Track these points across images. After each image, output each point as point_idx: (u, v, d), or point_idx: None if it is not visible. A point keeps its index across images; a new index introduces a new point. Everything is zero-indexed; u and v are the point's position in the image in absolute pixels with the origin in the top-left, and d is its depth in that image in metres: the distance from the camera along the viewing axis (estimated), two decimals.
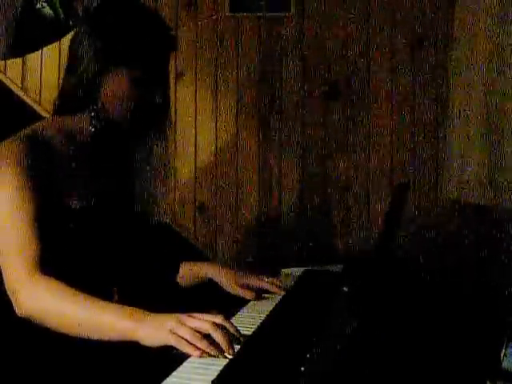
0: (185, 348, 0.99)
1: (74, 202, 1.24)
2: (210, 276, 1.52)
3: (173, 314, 1.04)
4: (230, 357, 0.99)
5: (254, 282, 1.49)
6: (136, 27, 1.28)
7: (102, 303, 1.10)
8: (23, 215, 1.15)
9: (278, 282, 1.52)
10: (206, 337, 1.00)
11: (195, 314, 1.04)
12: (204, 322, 1.02)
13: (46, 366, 1.18)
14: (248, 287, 1.48)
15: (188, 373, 0.93)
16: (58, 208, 1.22)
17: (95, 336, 1.08)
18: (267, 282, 1.50)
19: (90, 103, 1.28)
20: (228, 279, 1.50)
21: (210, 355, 0.99)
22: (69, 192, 1.24)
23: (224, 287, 1.50)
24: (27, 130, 1.27)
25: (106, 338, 1.08)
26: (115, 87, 1.27)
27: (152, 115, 1.33)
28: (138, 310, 1.07)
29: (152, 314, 1.06)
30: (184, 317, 1.03)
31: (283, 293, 1.48)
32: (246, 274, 1.53)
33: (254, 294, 1.46)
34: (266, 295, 1.48)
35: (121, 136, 1.34)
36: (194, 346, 0.99)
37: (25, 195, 1.16)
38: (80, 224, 1.24)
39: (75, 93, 1.28)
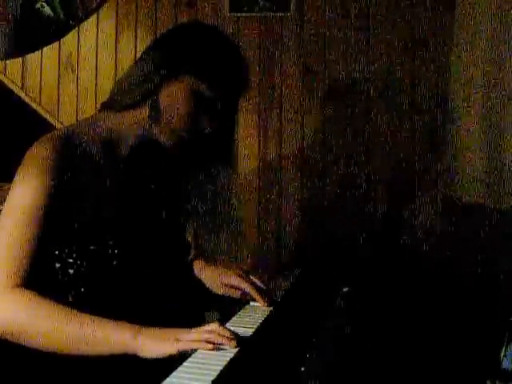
0: (194, 345, 1.00)
1: (100, 215, 1.19)
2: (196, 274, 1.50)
3: (172, 330, 1.05)
4: (234, 350, 1.00)
5: (236, 281, 1.42)
6: (215, 46, 1.26)
7: (94, 318, 1.07)
8: (28, 227, 1.11)
9: (259, 283, 1.43)
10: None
11: (194, 329, 1.06)
12: (203, 332, 1.04)
13: (46, 366, 1.17)
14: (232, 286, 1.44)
15: (188, 373, 0.93)
16: (82, 221, 1.17)
17: (84, 352, 1.06)
18: (248, 282, 1.41)
19: (141, 100, 1.23)
20: (212, 280, 1.47)
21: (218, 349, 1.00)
22: (95, 204, 1.19)
23: (209, 288, 1.48)
24: (62, 132, 1.22)
25: (99, 352, 1.06)
26: (176, 94, 1.22)
27: (203, 147, 1.28)
28: (134, 325, 1.06)
29: (149, 328, 1.06)
30: (184, 331, 1.05)
31: (262, 302, 1.39)
32: (227, 269, 1.46)
33: (239, 292, 1.42)
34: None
35: (163, 160, 1.30)
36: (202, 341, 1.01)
37: (39, 207, 1.12)
38: (102, 233, 1.20)
39: (130, 88, 1.24)
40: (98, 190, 1.20)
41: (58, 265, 1.17)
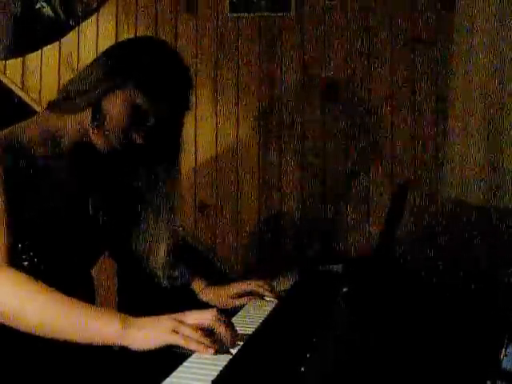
0: (193, 346, 0.98)
1: (49, 206, 1.23)
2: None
3: (166, 315, 1.03)
4: (234, 352, 0.99)
5: (242, 287, 1.50)
6: (160, 57, 1.30)
7: (83, 304, 1.07)
8: None
9: (266, 285, 1.50)
10: (209, 332, 1.01)
11: (191, 312, 1.04)
12: (203, 316, 1.02)
13: (45, 366, 1.17)
14: (239, 296, 1.49)
15: (188, 373, 0.93)
16: (32, 210, 1.21)
17: (71, 337, 1.04)
18: (254, 284, 1.50)
19: (85, 105, 1.27)
20: (217, 296, 1.52)
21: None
22: (44, 196, 1.23)
23: (218, 305, 1.49)
24: (10, 130, 1.26)
25: (84, 340, 1.04)
26: (115, 103, 1.26)
27: (136, 157, 1.33)
28: (124, 315, 1.04)
29: (141, 318, 1.04)
30: (181, 315, 1.03)
31: (270, 294, 1.47)
32: (231, 284, 1.53)
33: (247, 298, 1.47)
34: (265, 297, 1.48)
35: (101, 160, 1.34)
36: (199, 342, 0.98)
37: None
38: (52, 227, 1.24)
39: (75, 93, 1.28)
40: (39, 186, 1.23)
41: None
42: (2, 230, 1.14)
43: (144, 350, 1.00)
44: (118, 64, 1.29)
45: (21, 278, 1.09)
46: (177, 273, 1.45)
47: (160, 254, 1.41)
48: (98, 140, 1.28)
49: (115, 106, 1.26)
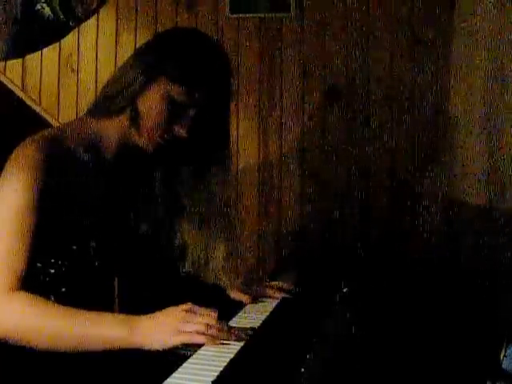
0: (195, 339, 1.01)
1: (84, 216, 1.20)
2: None
3: (170, 313, 1.05)
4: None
5: (256, 289, 1.49)
6: (190, 46, 1.26)
7: (89, 314, 1.07)
8: (20, 226, 1.11)
9: (281, 285, 1.50)
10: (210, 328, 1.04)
11: (193, 308, 1.06)
12: (206, 316, 1.04)
13: (45, 366, 1.17)
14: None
15: (188, 373, 0.93)
16: (65, 218, 1.18)
17: (84, 348, 1.06)
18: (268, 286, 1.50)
19: (123, 105, 1.24)
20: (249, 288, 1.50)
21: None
22: (80, 206, 1.20)
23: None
24: (48, 133, 1.22)
25: (97, 348, 1.06)
26: (151, 99, 1.22)
27: (183, 152, 1.28)
28: (131, 316, 1.06)
29: (147, 317, 1.05)
30: (185, 313, 1.04)
31: (278, 295, 1.48)
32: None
33: (251, 298, 1.46)
34: (264, 298, 1.48)
35: (147, 162, 1.30)
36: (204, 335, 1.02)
37: (29, 206, 1.12)
38: (83, 234, 1.21)
39: (112, 96, 1.25)
40: (82, 192, 1.20)
41: (39, 264, 1.17)
42: (23, 253, 1.11)
43: (159, 349, 1.03)
44: (148, 58, 1.25)
45: (32, 300, 1.09)
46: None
47: (218, 258, 1.38)
48: (140, 139, 1.24)
49: (151, 102, 1.22)
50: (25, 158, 1.15)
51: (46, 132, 1.23)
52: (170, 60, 1.23)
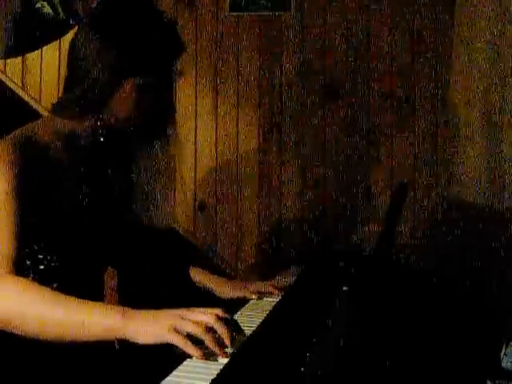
0: (187, 348, 0.97)
1: (66, 205, 1.21)
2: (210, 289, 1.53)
3: (170, 310, 1.03)
4: (231, 350, 0.99)
5: (258, 287, 1.50)
6: (149, 36, 1.24)
7: (82, 301, 1.06)
8: (6, 216, 1.12)
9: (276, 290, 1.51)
10: (209, 330, 1.00)
11: (195, 308, 1.04)
12: (206, 314, 1.02)
13: (45, 366, 1.17)
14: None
15: (188, 372, 0.93)
16: (49, 211, 1.19)
17: (74, 336, 1.03)
18: (264, 284, 1.52)
19: (93, 111, 1.24)
20: (221, 285, 1.52)
21: (209, 355, 0.98)
22: (61, 196, 1.21)
23: (218, 293, 1.51)
24: (23, 130, 1.23)
25: (87, 337, 1.03)
26: (125, 95, 1.23)
27: (159, 120, 1.31)
28: (126, 308, 1.04)
29: (144, 311, 1.03)
30: (184, 311, 1.02)
31: (277, 292, 1.49)
32: (248, 282, 1.55)
33: (255, 294, 1.48)
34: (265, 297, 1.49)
35: (123, 142, 1.32)
36: (196, 346, 0.98)
37: (11, 197, 1.13)
38: (70, 226, 1.22)
39: (80, 101, 1.23)
40: (62, 185, 1.22)
41: (28, 262, 1.18)
42: (8, 237, 1.11)
43: (144, 344, 1.00)
44: (108, 56, 1.22)
45: (23, 284, 1.08)
46: None
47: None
48: (117, 124, 1.27)
49: (123, 100, 1.24)
50: (2, 154, 1.15)
51: (17, 132, 1.23)
52: (132, 59, 1.22)
